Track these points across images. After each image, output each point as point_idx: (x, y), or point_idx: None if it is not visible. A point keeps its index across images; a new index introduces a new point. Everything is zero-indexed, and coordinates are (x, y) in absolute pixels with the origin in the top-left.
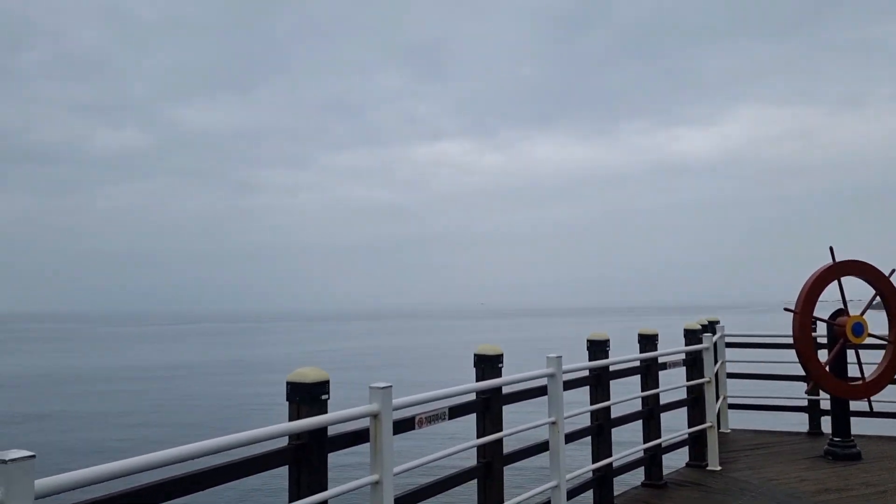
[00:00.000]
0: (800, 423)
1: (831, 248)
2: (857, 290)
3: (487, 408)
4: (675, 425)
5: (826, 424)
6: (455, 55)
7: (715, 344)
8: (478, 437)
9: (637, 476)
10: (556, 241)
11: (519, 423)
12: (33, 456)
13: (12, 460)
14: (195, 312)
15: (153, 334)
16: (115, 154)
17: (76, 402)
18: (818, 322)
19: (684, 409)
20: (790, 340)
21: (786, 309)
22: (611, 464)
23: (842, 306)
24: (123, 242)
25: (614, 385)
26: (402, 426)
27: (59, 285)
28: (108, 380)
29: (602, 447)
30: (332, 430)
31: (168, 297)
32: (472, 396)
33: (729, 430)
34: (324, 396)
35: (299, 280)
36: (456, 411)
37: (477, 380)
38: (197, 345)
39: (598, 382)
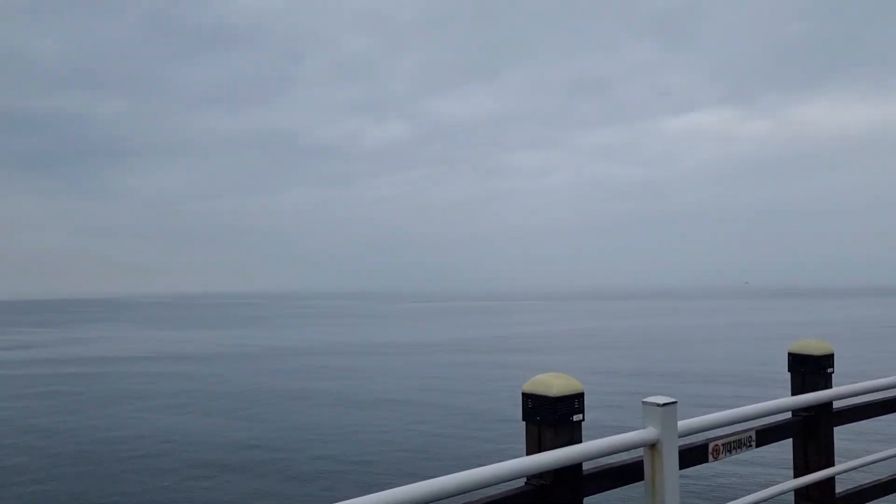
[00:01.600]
0: None
1: None
2: None
3: (812, 430)
4: None
5: None
6: (709, 19)
7: None
8: (796, 472)
9: None
10: (835, 214)
11: (858, 452)
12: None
13: (664, 404)
14: (453, 292)
15: (420, 311)
16: (381, 148)
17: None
18: None
19: None
20: None
21: None
22: None
23: None
24: (389, 228)
25: None
26: (691, 457)
27: (337, 267)
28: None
29: None
30: (586, 466)
31: (429, 278)
32: (788, 415)
33: None
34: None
35: (551, 260)
36: (767, 435)
37: (794, 390)
38: (460, 323)
39: None
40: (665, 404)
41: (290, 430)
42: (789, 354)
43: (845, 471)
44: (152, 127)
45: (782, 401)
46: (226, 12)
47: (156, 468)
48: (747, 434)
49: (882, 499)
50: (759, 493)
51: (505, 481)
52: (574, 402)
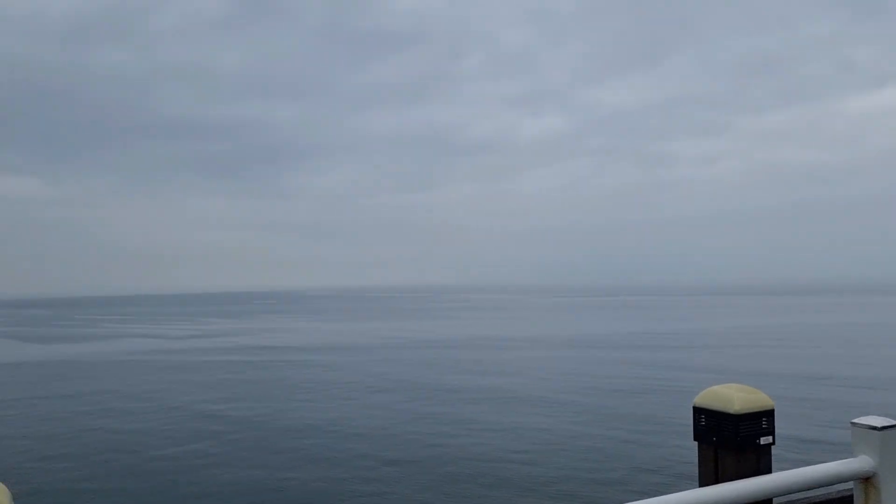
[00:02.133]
0: None
1: None
2: None
3: None
4: None
5: None
6: None
7: None
8: None
9: None
10: None
11: None
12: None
13: (883, 428)
14: (617, 285)
15: (580, 305)
16: (539, 140)
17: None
18: None
19: None
20: None
21: None
22: None
23: None
24: (549, 221)
25: None
26: None
27: (499, 260)
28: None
29: None
30: (777, 502)
31: (590, 270)
32: None
33: None
34: None
35: (719, 252)
36: None
37: None
38: (621, 316)
39: None
40: (884, 427)
41: (449, 424)
42: None
43: None
44: (321, 129)
45: None
46: (389, 16)
47: (342, 459)
48: None
49: None
50: None
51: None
52: (762, 420)
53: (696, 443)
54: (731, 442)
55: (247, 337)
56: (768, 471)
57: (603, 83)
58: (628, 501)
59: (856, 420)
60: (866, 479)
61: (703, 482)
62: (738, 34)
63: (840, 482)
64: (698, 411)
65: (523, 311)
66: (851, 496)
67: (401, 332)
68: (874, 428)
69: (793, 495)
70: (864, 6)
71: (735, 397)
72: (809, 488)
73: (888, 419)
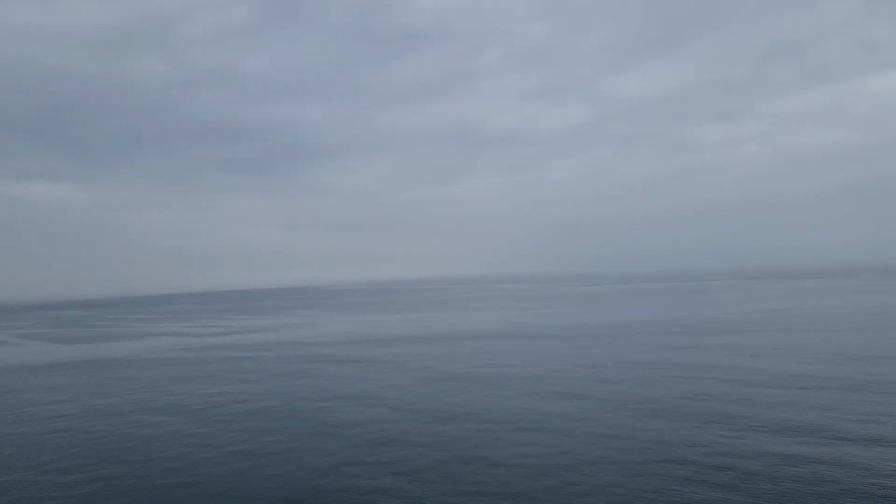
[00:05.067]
0: None
1: None
2: None
3: None
4: None
5: None
6: None
7: None
8: None
9: None
10: None
11: None
12: None
13: None
14: (641, 272)
15: (622, 292)
16: (560, 131)
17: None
18: None
19: None
20: None
21: None
22: None
23: None
24: (573, 209)
25: None
26: None
27: (523, 251)
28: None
29: None
30: None
31: (614, 258)
32: None
33: None
34: None
35: (744, 237)
36: None
37: None
38: (661, 302)
39: None
40: None
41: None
42: None
43: None
44: (348, 128)
45: None
46: (409, 14)
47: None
48: None
49: None
50: None
51: None
52: None
53: None
54: None
55: (270, 333)
56: None
57: (624, 72)
58: None
59: None
60: None
61: None
62: (757, 17)
63: None
64: None
65: (565, 299)
66: None
67: (433, 324)
68: None
69: None
70: None
71: None
72: None
73: None
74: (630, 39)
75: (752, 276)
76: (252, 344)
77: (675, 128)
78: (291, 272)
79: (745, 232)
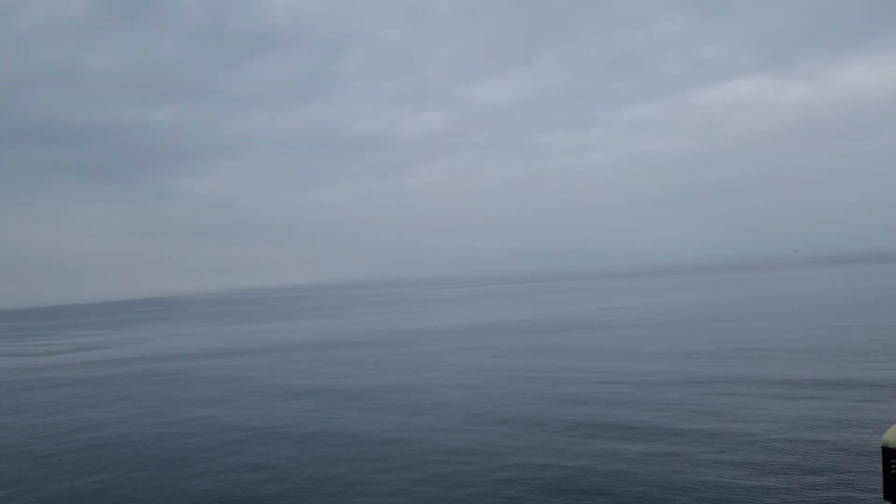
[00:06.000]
0: None
1: None
2: None
3: None
4: None
5: None
6: None
7: None
8: None
9: None
10: (887, 176)
11: None
12: None
13: None
14: (501, 274)
15: (478, 295)
16: (420, 137)
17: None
18: None
19: None
20: None
21: None
22: None
23: None
24: (436, 213)
25: None
26: None
27: (389, 255)
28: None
29: None
30: None
31: (475, 261)
32: None
33: None
34: None
35: (596, 239)
36: None
37: None
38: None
39: None
40: None
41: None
42: None
43: None
44: (200, 132)
45: None
46: (264, 17)
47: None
48: None
49: None
50: None
51: None
52: None
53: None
54: None
55: (126, 348)
56: None
57: (481, 81)
58: None
59: None
60: None
61: None
62: (601, 34)
63: None
64: (890, 454)
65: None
66: None
67: (304, 334)
68: None
69: None
70: (712, 5)
71: None
72: None
73: None
74: (486, 49)
75: (603, 276)
76: (79, 363)
77: (531, 135)
78: (151, 282)
79: (596, 234)
